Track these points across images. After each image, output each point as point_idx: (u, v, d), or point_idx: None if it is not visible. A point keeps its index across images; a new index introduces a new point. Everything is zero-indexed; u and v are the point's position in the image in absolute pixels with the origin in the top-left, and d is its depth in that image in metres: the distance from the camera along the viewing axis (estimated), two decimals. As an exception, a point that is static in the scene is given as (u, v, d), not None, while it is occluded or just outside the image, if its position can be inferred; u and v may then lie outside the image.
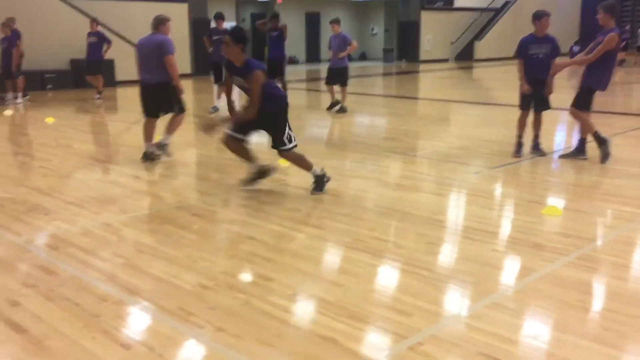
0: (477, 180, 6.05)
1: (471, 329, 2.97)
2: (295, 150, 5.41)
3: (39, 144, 8.34)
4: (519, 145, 7.04)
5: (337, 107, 10.88)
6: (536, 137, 7.09)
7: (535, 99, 6.92)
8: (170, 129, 6.89)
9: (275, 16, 11.87)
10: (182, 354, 2.79)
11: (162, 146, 6.84)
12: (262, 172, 5.59)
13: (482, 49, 27.94)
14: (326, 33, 12.73)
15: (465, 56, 28.02)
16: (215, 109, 10.81)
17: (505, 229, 4.69)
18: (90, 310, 3.17)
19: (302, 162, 5.47)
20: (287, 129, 5.31)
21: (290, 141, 5.32)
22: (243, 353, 2.75)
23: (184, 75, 18.52)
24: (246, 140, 5.44)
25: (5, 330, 2.96)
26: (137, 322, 3.15)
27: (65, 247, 4.14)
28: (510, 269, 3.87)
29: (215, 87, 11.65)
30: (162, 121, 6.85)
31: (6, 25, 12.53)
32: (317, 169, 5.44)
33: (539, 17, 6.77)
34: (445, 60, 27.73)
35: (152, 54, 6.47)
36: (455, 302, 3.37)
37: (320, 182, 5.44)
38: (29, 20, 14.27)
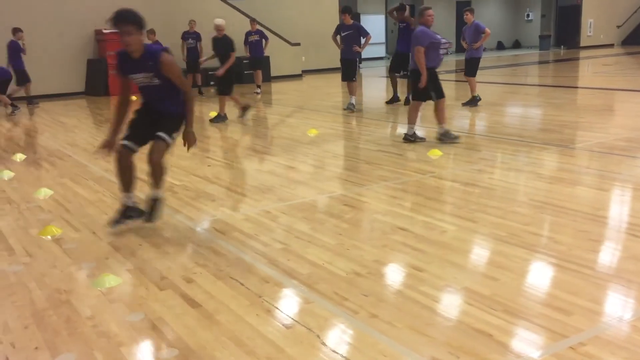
0: (646, 174, 5.58)
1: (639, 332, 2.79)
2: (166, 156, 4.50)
3: (205, 136, 9.06)
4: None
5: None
6: None
7: None
8: (439, 118, 7.50)
9: (402, 7, 11.15)
10: (338, 336, 2.92)
11: (445, 135, 7.47)
12: (134, 210, 4.58)
13: (654, 31, 25.50)
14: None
15: (634, 40, 25.73)
16: (351, 106, 10.72)
17: (680, 228, 4.29)
18: (254, 290, 3.42)
19: (161, 173, 4.49)
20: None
21: (171, 138, 4.46)
22: (397, 340, 2.82)
23: (333, 69, 19.07)
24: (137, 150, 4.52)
25: (182, 304, 3.29)
26: (296, 303, 3.34)
27: (230, 230, 4.49)
28: (685, 272, 3.55)
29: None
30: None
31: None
32: (159, 193, 4.56)
33: None
34: (611, 46, 25.67)
35: (411, 43, 7.40)
36: (621, 303, 3.16)
37: (156, 208, 4.55)
38: (199, 23, 15.45)
